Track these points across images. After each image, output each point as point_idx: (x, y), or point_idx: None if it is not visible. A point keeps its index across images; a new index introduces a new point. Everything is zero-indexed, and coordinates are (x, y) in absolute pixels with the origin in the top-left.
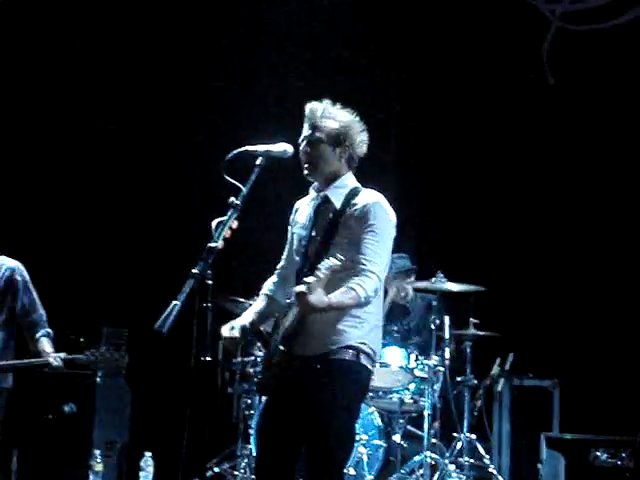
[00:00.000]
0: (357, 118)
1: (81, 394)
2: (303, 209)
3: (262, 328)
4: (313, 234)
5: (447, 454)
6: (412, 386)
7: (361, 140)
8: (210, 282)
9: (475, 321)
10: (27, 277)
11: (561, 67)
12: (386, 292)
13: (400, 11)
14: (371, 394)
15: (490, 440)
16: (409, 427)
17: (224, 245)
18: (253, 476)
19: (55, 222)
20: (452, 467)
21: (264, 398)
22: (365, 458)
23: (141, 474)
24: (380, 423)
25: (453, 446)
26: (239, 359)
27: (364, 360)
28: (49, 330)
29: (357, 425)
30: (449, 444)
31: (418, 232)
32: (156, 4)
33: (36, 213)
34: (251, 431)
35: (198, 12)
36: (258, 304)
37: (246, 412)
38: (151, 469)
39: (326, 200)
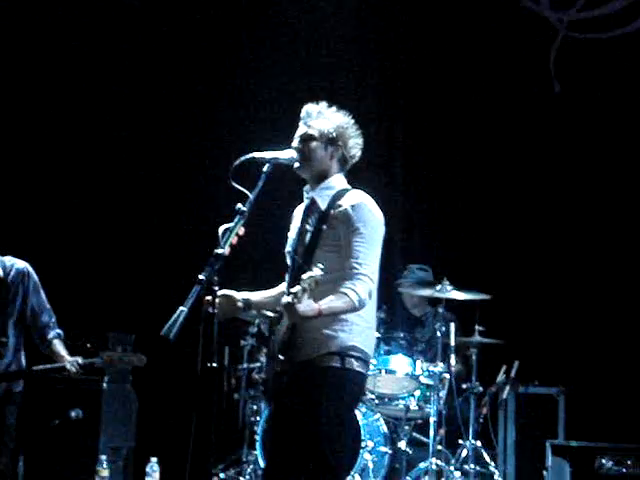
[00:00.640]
0: (352, 121)
1: (87, 400)
2: (298, 214)
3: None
4: (301, 236)
5: (452, 461)
6: (418, 393)
7: (355, 143)
8: (216, 288)
9: (480, 329)
10: (36, 279)
11: (567, 75)
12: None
13: (407, 18)
14: (377, 401)
15: (496, 447)
16: (415, 434)
17: (230, 251)
18: None
19: (62, 227)
20: (457, 474)
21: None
22: (371, 465)
23: None
24: (386, 430)
25: (458, 453)
26: (245, 365)
27: (354, 364)
28: (59, 331)
29: (363, 431)
30: (454, 451)
31: (423, 240)
32: (164, 10)
33: (44, 217)
34: (257, 437)
35: (208, 16)
36: (270, 291)
37: (252, 418)
38: (157, 475)
39: (313, 202)
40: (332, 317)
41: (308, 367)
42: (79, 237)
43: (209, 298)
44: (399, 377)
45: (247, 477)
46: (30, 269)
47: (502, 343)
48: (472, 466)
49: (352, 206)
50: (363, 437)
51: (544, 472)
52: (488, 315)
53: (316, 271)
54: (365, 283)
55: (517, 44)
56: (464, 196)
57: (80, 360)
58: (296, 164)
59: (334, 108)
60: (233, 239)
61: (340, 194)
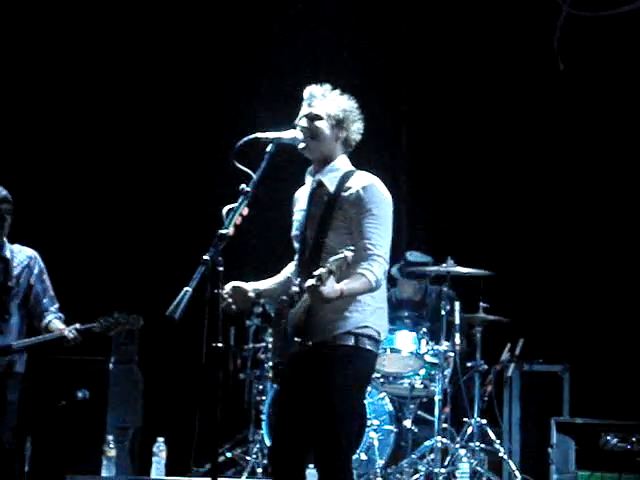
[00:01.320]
0: (356, 105)
1: (94, 380)
2: (301, 197)
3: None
4: (309, 219)
5: (458, 439)
6: (423, 371)
7: (358, 127)
8: (221, 268)
9: (485, 305)
10: (43, 266)
11: (572, 53)
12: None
13: (408, 3)
14: (382, 380)
15: (500, 425)
16: (420, 412)
17: (234, 232)
18: (265, 461)
19: (67, 212)
20: (463, 452)
21: (275, 386)
22: (376, 443)
23: (154, 459)
24: (391, 408)
25: (464, 431)
26: (250, 345)
27: (366, 344)
28: (61, 315)
29: (368, 410)
30: (459, 429)
31: (428, 218)
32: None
33: (50, 202)
34: (262, 417)
35: (210, 12)
36: (276, 278)
37: (257, 398)
38: (164, 454)
39: (320, 184)
40: (346, 299)
41: (323, 348)
42: (83, 220)
43: (224, 291)
44: (404, 356)
45: (253, 456)
46: (38, 256)
47: (507, 321)
48: (477, 444)
49: (363, 187)
50: (369, 416)
51: (549, 449)
52: (492, 292)
53: (347, 253)
54: (380, 264)
55: (521, 22)
56: (469, 173)
57: (78, 326)
58: (301, 144)
59: (338, 91)
60: (237, 219)
61: (347, 176)
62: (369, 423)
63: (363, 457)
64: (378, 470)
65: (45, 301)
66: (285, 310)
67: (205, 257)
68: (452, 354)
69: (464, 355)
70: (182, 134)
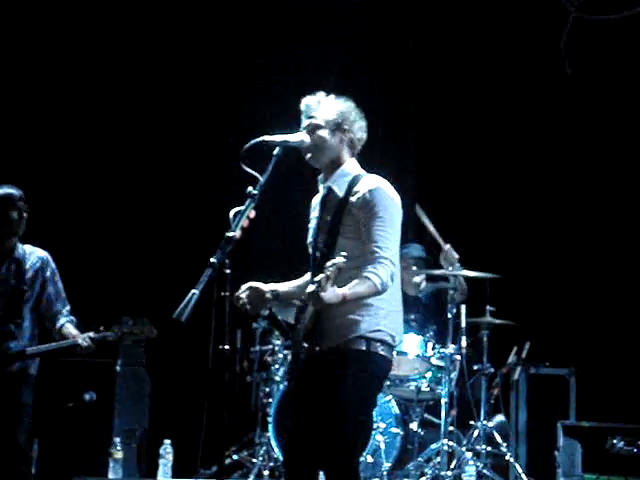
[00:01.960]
0: (353, 105)
1: (101, 382)
2: (315, 204)
3: (280, 317)
4: (321, 226)
5: (464, 442)
6: (429, 374)
7: (360, 126)
8: (228, 271)
9: (491, 309)
10: (55, 268)
11: (579, 57)
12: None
13: (416, 4)
14: (388, 382)
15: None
16: (426, 415)
17: (241, 234)
18: (272, 463)
19: (74, 213)
20: (469, 455)
21: (281, 387)
22: (382, 446)
23: (160, 461)
24: (397, 411)
25: (470, 434)
26: (257, 347)
27: (378, 348)
28: (73, 318)
29: (375, 413)
30: (466, 432)
31: (435, 220)
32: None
33: (58, 204)
34: (269, 419)
35: (222, 15)
36: (296, 281)
37: (264, 400)
38: (170, 456)
39: (330, 190)
40: (357, 303)
41: (334, 353)
42: (92, 223)
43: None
44: (410, 359)
45: (260, 459)
46: (50, 258)
47: (513, 324)
48: (483, 447)
49: (370, 191)
50: (375, 418)
51: (555, 452)
52: (499, 296)
53: (338, 259)
54: (387, 266)
55: (528, 26)
56: (476, 176)
57: (92, 334)
58: (307, 155)
59: (332, 96)
60: (244, 222)
61: (356, 180)
62: (375, 426)
63: (369, 460)
64: (384, 473)
65: (57, 303)
66: (300, 315)
67: (212, 260)
68: (458, 357)
69: (471, 358)
70: (190, 138)
